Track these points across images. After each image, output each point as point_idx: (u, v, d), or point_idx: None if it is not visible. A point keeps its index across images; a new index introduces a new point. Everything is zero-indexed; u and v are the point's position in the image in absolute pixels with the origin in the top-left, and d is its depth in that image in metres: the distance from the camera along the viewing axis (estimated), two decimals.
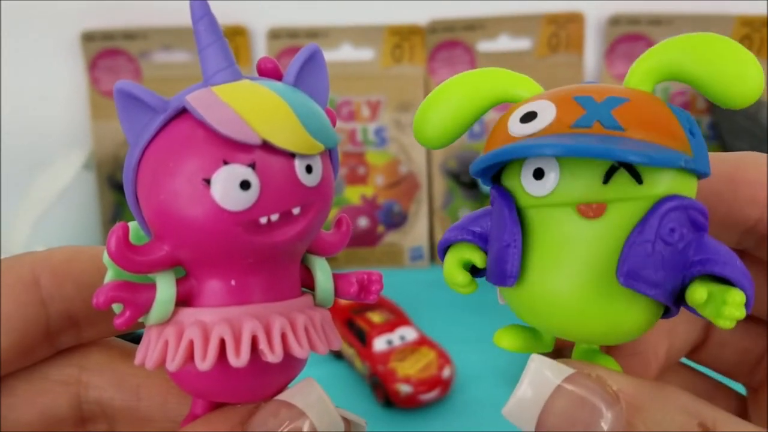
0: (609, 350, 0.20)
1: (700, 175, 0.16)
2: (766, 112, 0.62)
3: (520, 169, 0.16)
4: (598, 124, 0.15)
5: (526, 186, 0.16)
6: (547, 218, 0.16)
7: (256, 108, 0.15)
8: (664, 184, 0.15)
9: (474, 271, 0.17)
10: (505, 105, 0.17)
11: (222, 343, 0.15)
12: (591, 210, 0.15)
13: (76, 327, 0.19)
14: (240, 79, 0.16)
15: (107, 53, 0.66)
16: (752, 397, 0.22)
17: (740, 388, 0.23)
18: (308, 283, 0.18)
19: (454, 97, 0.17)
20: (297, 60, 0.16)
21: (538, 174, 0.16)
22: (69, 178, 0.60)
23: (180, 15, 0.65)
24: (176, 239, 0.15)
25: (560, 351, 0.20)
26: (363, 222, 0.67)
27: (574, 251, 0.15)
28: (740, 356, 0.22)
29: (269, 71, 0.17)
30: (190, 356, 0.15)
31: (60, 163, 0.61)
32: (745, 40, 0.65)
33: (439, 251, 0.18)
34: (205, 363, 0.15)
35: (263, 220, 0.15)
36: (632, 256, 0.15)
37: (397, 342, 0.47)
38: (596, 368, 0.16)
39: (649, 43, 0.65)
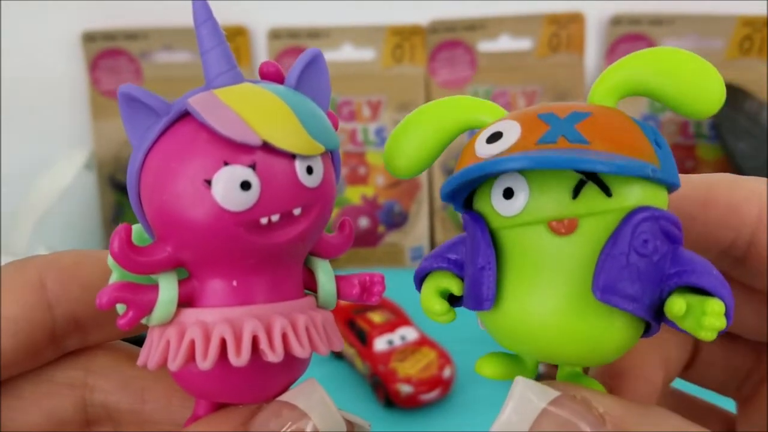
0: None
1: (670, 186, 0.16)
2: (766, 113, 0.62)
3: (491, 191, 0.16)
4: (563, 138, 0.15)
5: (496, 207, 0.16)
6: (520, 238, 0.16)
7: (257, 110, 0.15)
8: (634, 195, 0.15)
9: (453, 299, 0.17)
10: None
11: (223, 343, 0.15)
12: (562, 226, 0.15)
13: (81, 330, 0.19)
14: (242, 82, 0.16)
15: (108, 53, 0.66)
16: (741, 410, 0.22)
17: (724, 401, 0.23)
18: (311, 285, 0.18)
19: (419, 130, 0.18)
20: (299, 63, 0.16)
21: (508, 194, 0.16)
22: (70, 178, 0.60)
23: (181, 15, 0.65)
24: (178, 240, 0.15)
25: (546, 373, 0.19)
26: (364, 222, 0.67)
27: (548, 270, 0.15)
28: (728, 374, 0.22)
29: (271, 75, 0.17)
30: (191, 356, 0.15)
31: (61, 163, 0.61)
32: (746, 41, 0.65)
33: (416, 281, 0.18)
34: (205, 362, 0.15)
35: (264, 220, 0.15)
36: (607, 269, 0.15)
37: (397, 342, 0.47)
38: (582, 390, 0.16)
39: (650, 44, 0.65)
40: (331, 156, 0.17)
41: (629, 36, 0.66)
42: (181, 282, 0.16)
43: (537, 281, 0.15)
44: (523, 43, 0.67)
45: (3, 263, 0.18)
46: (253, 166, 0.15)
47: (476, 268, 0.16)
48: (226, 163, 0.15)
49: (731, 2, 0.64)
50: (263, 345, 0.15)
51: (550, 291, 0.15)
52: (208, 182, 0.15)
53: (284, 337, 0.15)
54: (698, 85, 0.15)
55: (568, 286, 0.15)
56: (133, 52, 0.66)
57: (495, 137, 0.16)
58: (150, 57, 0.66)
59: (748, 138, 0.61)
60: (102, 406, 0.19)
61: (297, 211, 0.16)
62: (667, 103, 0.16)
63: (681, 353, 0.21)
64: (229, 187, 0.15)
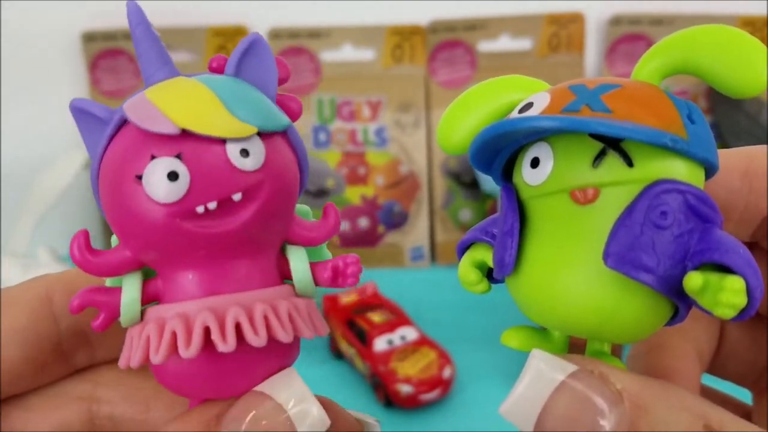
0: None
1: (703, 162, 0.15)
2: (766, 113, 0.62)
3: (522, 162, 0.16)
4: (586, 107, 0.15)
5: (525, 176, 0.16)
6: (544, 207, 0.16)
7: (176, 100, 0.16)
8: (656, 167, 0.15)
9: (492, 273, 0.17)
10: None
11: (207, 333, 0.15)
12: (582, 195, 0.15)
13: (88, 344, 0.19)
14: (176, 76, 0.17)
15: (108, 53, 0.66)
16: (758, 401, 0.22)
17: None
18: (289, 274, 0.17)
19: (479, 107, 0.18)
20: (236, 51, 0.17)
21: (535, 163, 0.16)
22: (70, 178, 0.60)
23: (180, 15, 0.65)
24: (128, 239, 0.16)
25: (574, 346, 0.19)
26: (363, 222, 0.67)
27: (568, 239, 0.15)
28: (748, 366, 0.21)
29: (213, 68, 0.17)
30: (173, 348, 0.15)
31: (61, 163, 0.61)
32: None
33: (458, 251, 0.18)
34: (188, 351, 0.15)
35: (200, 209, 0.15)
36: (619, 238, 0.14)
37: (397, 342, 0.47)
38: (599, 365, 0.15)
39: (650, 44, 0.65)
40: (286, 136, 0.17)
41: (629, 36, 0.66)
42: (148, 281, 0.16)
43: (557, 249, 0.15)
44: (523, 43, 0.67)
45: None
46: (179, 156, 0.15)
47: (501, 233, 0.16)
48: (153, 157, 0.15)
49: (731, 2, 0.64)
50: (214, 336, 0.15)
51: (568, 259, 0.15)
52: (139, 177, 0.15)
53: (238, 326, 0.15)
54: (743, 61, 0.15)
55: (586, 256, 0.15)
56: (133, 52, 0.66)
57: (526, 107, 0.16)
58: None
59: (748, 138, 0.61)
60: (108, 417, 0.19)
61: (237, 197, 0.15)
62: (711, 81, 0.15)
63: (710, 347, 0.21)
64: (157, 179, 0.15)
